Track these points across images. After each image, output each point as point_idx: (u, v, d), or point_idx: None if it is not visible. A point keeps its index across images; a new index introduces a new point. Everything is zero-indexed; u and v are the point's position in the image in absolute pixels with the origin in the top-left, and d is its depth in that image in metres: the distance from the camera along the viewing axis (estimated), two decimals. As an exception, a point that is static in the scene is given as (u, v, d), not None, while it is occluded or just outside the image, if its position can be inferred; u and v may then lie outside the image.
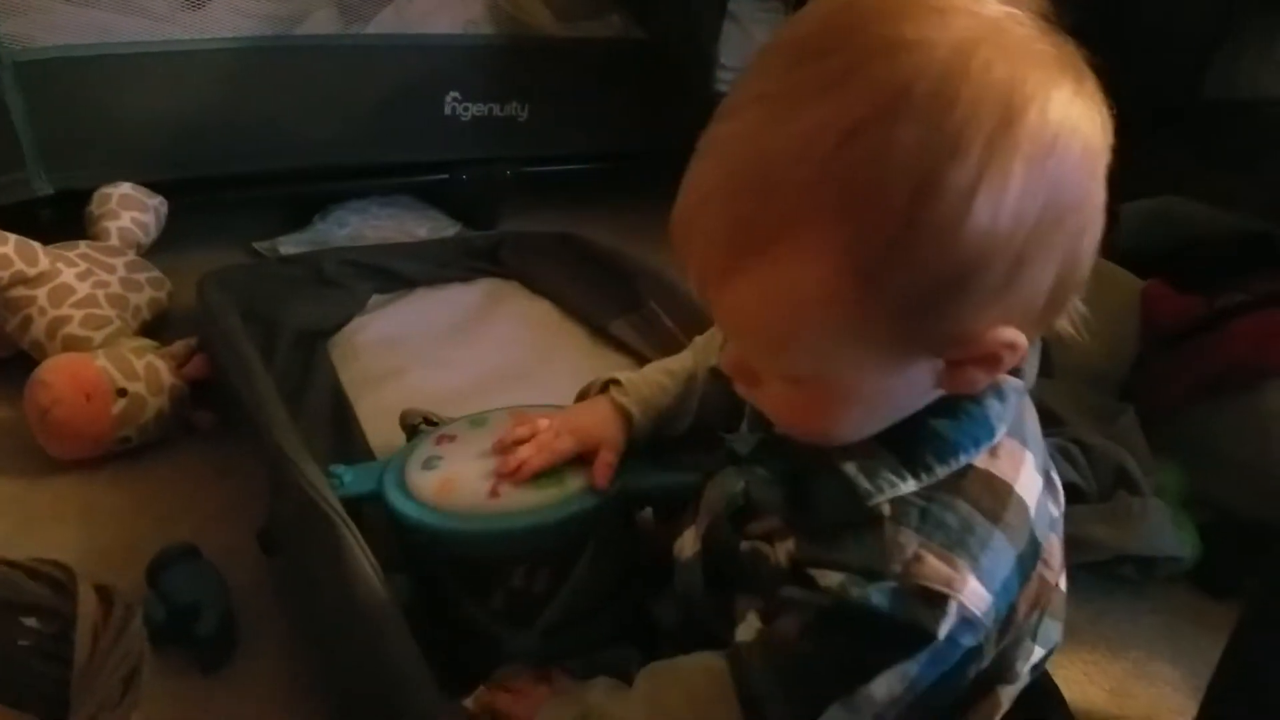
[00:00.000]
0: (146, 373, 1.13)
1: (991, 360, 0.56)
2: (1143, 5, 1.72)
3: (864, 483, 0.59)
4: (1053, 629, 0.69)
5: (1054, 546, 0.64)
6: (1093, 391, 1.28)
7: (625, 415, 0.87)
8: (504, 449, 0.86)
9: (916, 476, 0.59)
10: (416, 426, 0.99)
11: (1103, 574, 1.11)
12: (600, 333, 1.36)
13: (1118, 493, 1.12)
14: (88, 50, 1.35)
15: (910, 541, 0.57)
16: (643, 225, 1.74)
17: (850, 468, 0.60)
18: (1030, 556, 0.60)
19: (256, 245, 1.57)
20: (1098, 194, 0.55)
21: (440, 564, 0.86)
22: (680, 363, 0.91)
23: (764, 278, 0.53)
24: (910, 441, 0.60)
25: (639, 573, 0.86)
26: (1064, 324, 0.61)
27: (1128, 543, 1.07)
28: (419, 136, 1.58)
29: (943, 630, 0.56)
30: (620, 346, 1.33)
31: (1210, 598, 1.12)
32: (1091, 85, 0.54)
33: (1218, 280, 1.30)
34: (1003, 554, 0.58)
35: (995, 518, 0.58)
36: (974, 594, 0.57)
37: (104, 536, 1.04)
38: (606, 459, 0.85)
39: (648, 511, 0.91)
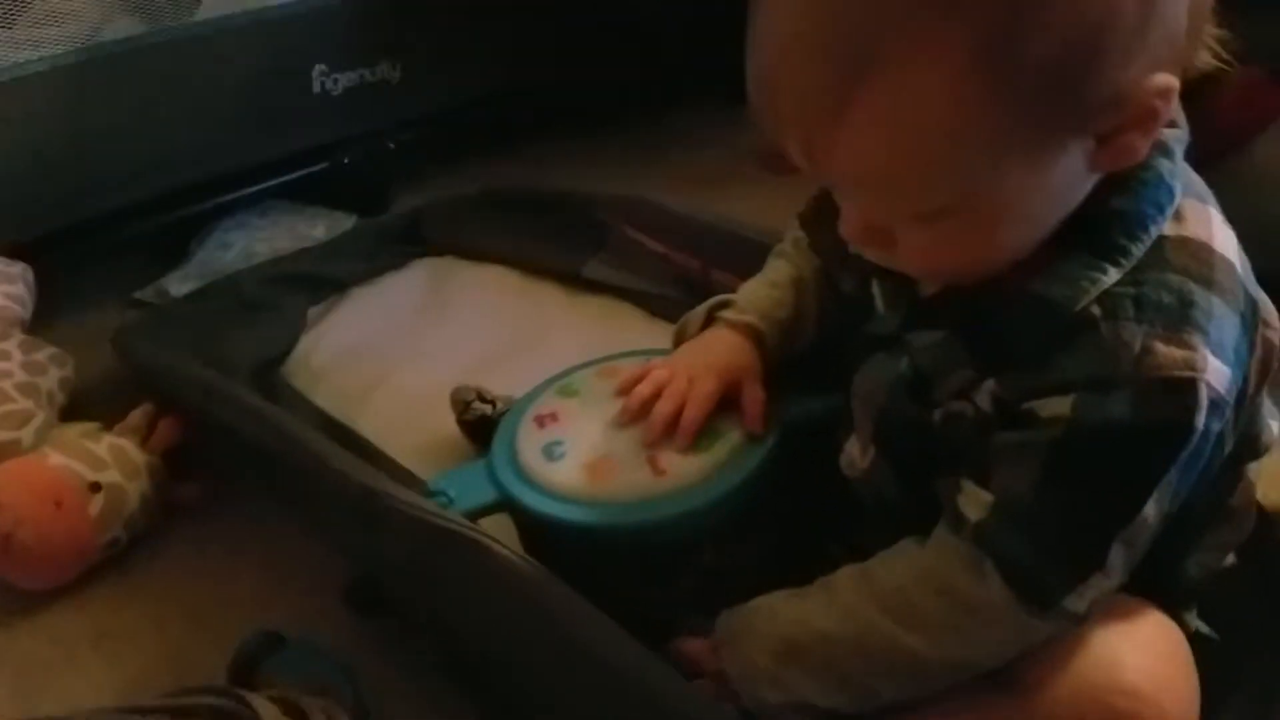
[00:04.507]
0: (114, 456, 0.93)
1: (1148, 116, 0.51)
2: None
3: (1059, 290, 0.54)
4: None
5: (1267, 302, 0.59)
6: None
7: (754, 334, 0.76)
8: (637, 413, 0.75)
9: (1115, 264, 0.54)
10: (470, 404, 0.95)
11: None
12: (573, 281, 1.24)
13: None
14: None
15: (1134, 335, 0.53)
16: (551, 156, 1.63)
17: (1036, 284, 0.55)
18: (1250, 315, 0.56)
19: (139, 295, 1.32)
20: None
21: (603, 558, 0.73)
22: (779, 272, 0.79)
23: (881, 103, 0.48)
24: (1092, 231, 0.55)
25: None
26: (1205, 57, 0.57)
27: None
28: (292, 123, 1.36)
29: (1200, 420, 0.52)
30: (601, 289, 1.22)
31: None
32: None
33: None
34: (1227, 319, 0.54)
35: (1208, 282, 0.54)
36: (1216, 371, 0.53)
37: (136, 662, 0.85)
38: (755, 395, 0.74)
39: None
